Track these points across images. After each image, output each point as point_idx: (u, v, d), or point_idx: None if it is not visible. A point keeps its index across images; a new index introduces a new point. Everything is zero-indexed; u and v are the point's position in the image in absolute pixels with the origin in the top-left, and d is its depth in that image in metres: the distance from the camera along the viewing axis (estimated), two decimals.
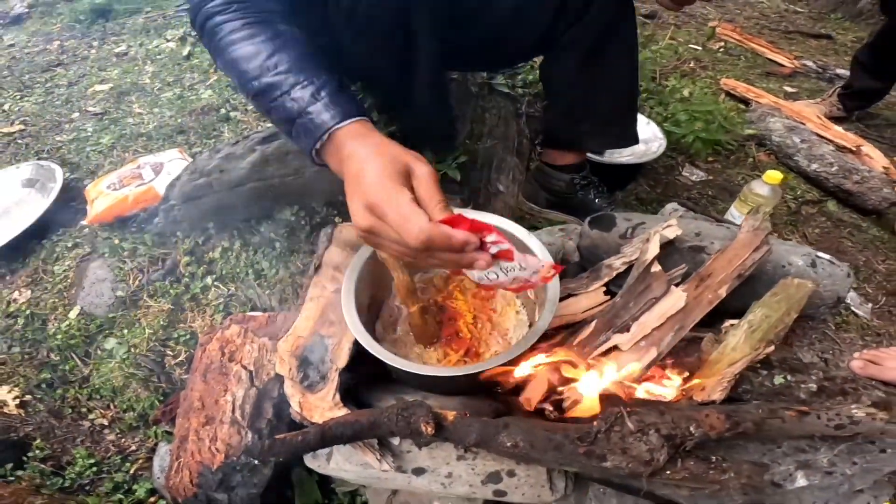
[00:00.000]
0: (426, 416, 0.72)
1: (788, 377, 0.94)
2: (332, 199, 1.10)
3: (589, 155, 1.38)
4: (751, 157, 1.72)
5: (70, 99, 1.92)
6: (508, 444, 0.75)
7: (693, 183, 1.59)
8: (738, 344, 0.90)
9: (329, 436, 0.73)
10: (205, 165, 0.99)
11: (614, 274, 0.99)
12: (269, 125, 1.08)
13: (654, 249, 0.92)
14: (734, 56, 2.47)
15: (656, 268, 0.92)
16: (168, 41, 2.30)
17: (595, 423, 0.76)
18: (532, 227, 1.29)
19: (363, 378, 0.88)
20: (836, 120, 1.95)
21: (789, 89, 2.25)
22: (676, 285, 0.93)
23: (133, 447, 1.03)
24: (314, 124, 0.66)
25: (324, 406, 0.79)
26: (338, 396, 0.79)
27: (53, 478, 0.97)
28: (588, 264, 1.07)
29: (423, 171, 0.60)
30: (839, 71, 2.37)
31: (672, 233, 0.96)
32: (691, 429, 0.75)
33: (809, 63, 2.46)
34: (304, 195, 1.05)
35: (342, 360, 0.79)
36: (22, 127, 1.77)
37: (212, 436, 0.79)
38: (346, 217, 1.13)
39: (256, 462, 0.75)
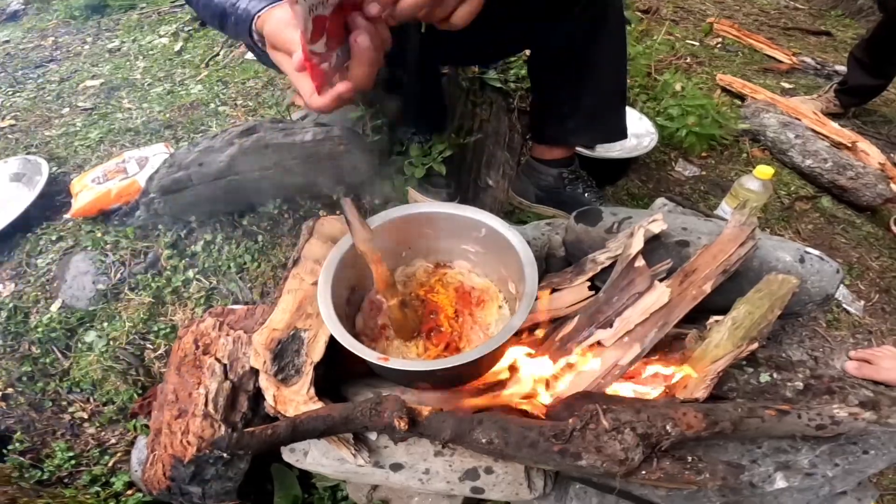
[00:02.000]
0: (399, 412, 0.71)
1: (774, 375, 0.93)
2: (315, 192, 1.09)
3: (578, 149, 1.37)
4: (745, 153, 1.70)
5: (61, 94, 1.92)
6: (483, 441, 0.74)
7: (686, 178, 1.58)
8: (721, 341, 0.89)
9: (300, 430, 0.72)
10: (183, 159, 0.98)
11: (599, 269, 0.97)
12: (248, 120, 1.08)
13: (637, 244, 0.91)
14: (731, 52, 2.44)
15: (640, 262, 0.90)
16: (161, 37, 2.30)
17: (571, 420, 0.75)
18: (520, 222, 1.29)
19: (341, 371, 0.88)
20: (832, 116, 1.93)
21: (786, 85, 2.23)
22: (661, 281, 0.92)
23: (113, 440, 1.03)
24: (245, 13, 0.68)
25: (298, 400, 0.78)
26: (312, 390, 0.78)
27: (32, 470, 0.97)
28: (573, 259, 1.05)
29: None
30: (838, 67, 2.34)
31: (657, 227, 0.95)
32: (668, 428, 0.74)
33: (808, 59, 2.44)
34: (287, 188, 1.04)
35: (317, 353, 0.78)
36: (13, 122, 1.77)
37: (184, 428, 0.78)
38: (330, 210, 1.13)
39: (227, 455, 0.74)
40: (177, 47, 2.18)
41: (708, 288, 0.91)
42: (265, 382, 0.78)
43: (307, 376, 0.77)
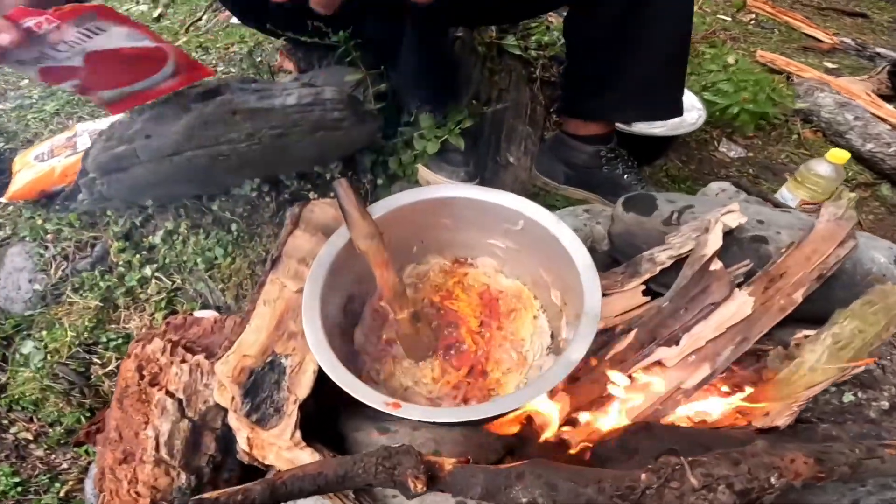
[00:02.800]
0: (416, 469, 0.52)
1: (859, 394, 0.79)
2: (305, 169, 0.88)
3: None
4: (795, 134, 1.52)
5: None
6: (524, 501, 0.57)
7: (731, 160, 1.39)
8: (819, 363, 0.71)
9: (281, 493, 0.54)
10: (125, 130, 0.76)
11: (658, 270, 0.79)
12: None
13: (715, 242, 0.72)
14: (767, 29, 2.31)
15: (717, 265, 0.71)
16: (139, 3, 2.10)
17: (644, 476, 0.57)
18: (548, 206, 1.10)
19: (338, 400, 0.68)
20: (883, 99, 1.78)
21: (829, 65, 2.10)
22: (739, 286, 0.74)
23: (64, 465, 0.88)
24: None
25: (280, 445, 0.60)
26: (298, 434, 0.59)
27: None
28: (621, 256, 0.87)
29: None
30: (879, 50, 2.20)
31: (735, 220, 0.76)
32: (772, 479, 0.59)
33: (847, 40, 2.32)
34: (267, 165, 0.83)
35: (304, 387, 0.59)
36: None
37: (130, 477, 0.60)
38: (324, 192, 0.92)
39: None
40: (156, 13, 2.00)
41: (799, 297, 0.74)
42: (236, 423, 0.59)
43: (290, 417, 0.58)
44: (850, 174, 1.46)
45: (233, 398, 0.58)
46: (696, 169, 1.35)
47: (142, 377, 0.60)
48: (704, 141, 1.44)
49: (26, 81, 1.64)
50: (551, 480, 0.58)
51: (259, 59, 1.48)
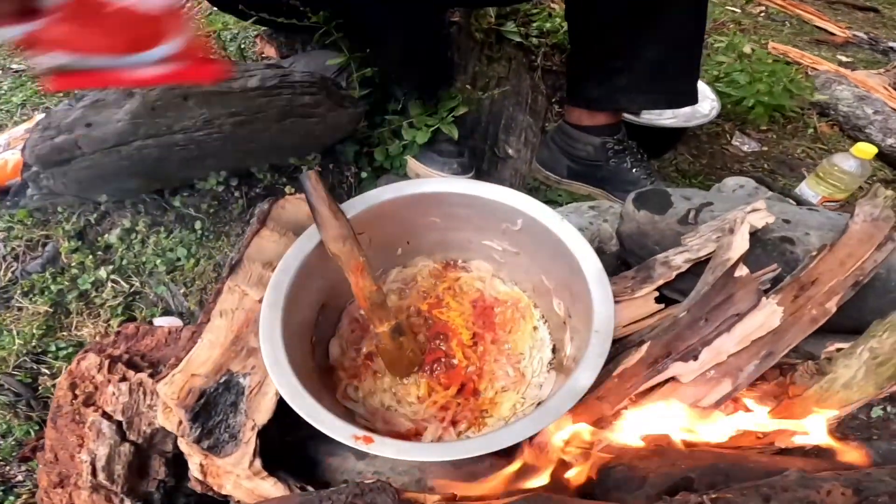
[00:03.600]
0: None
1: (888, 408, 0.72)
2: (278, 160, 0.79)
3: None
4: (811, 128, 1.43)
5: None
6: None
7: (745, 154, 1.31)
8: (854, 380, 0.63)
9: None
10: (63, 118, 0.67)
11: (673, 275, 0.70)
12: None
13: (741, 245, 0.64)
14: (777, 21, 2.25)
15: (743, 271, 0.63)
16: None
17: None
18: (550, 202, 1.01)
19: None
20: None
21: (843, 58, 2.03)
22: (766, 294, 0.65)
23: (19, 477, 0.80)
24: None
25: (239, 473, 0.51)
26: (258, 463, 0.51)
27: None
28: (632, 258, 0.78)
29: None
30: (892, 44, 2.14)
31: (761, 220, 0.68)
32: None
33: (860, 34, 2.25)
34: (234, 156, 0.73)
35: (264, 412, 0.50)
36: None
37: (66, 502, 0.52)
38: (299, 187, 0.83)
39: None
40: None
41: (833, 306, 0.66)
42: (186, 448, 0.51)
43: (248, 445, 0.49)
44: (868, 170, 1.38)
45: (180, 422, 0.49)
46: (707, 163, 1.27)
47: (75, 396, 0.52)
48: (716, 134, 1.35)
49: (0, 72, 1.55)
50: None
51: (242, 45, 1.39)
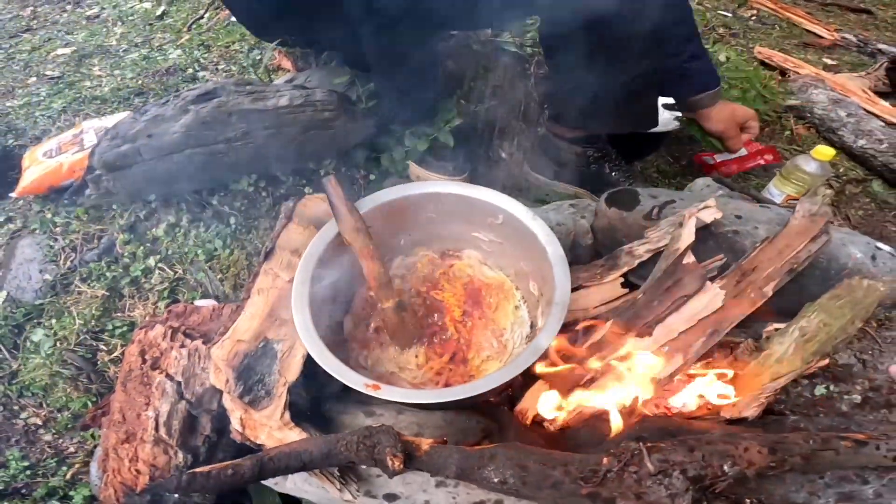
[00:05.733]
0: (394, 448, 0.56)
1: (831, 387, 0.82)
2: (299, 165, 0.92)
3: None
4: (788, 130, 1.53)
5: (30, 63, 1.77)
6: (496, 480, 0.61)
7: None
8: (785, 355, 0.74)
9: (269, 468, 0.57)
10: (128, 130, 0.80)
11: (636, 263, 0.82)
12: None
13: (688, 236, 0.75)
14: (768, 25, 2.29)
15: (690, 259, 0.74)
16: (143, 1, 2.14)
17: (606, 459, 0.60)
18: (539, 201, 1.13)
19: (327, 385, 0.72)
20: (880, 95, 1.78)
21: (829, 61, 2.08)
22: (712, 280, 0.76)
23: (71, 449, 0.91)
24: None
25: (271, 425, 0.64)
26: (287, 415, 0.63)
27: None
28: (604, 249, 0.90)
29: None
30: (881, 46, 2.19)
31: (710, 216, 0.79)
32: (725, 467, 0.62)
33: (849, 36, 2.29)
34: (263, 162, 0.87)
35: (293, 371, 0.62)
36: None
37: (132, 455, 0.64)
38: (318, 187, 0.96)
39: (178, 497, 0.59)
40: (159, 11, 2.04)
41: (770, 291, 0.77)
42: (230, 404, 0.64)
43: (280, 399, 0.62)
44: (841, 170, 1.47)
45: (227, 380, 0.62)
46: (686, 165, 1.37)
47: (144, 361, 0.65)
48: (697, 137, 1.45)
49: (34, 79, 1.68)
50: (522, 462, 0.61)
51: (259, 56, 1.52)
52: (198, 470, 0.53)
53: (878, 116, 1.58)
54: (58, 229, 0.97)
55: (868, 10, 2.61)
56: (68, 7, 2.20)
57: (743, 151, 1.25)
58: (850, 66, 2.04)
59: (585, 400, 0.75)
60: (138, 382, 0.65)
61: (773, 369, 0.73)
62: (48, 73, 1.69)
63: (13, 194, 1.03)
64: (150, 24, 1.96)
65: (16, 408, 0.93)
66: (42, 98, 1.51)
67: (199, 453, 0.68)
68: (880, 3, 2.75)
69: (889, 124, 1.55)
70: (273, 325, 0.65)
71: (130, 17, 2.04)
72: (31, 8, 2.23)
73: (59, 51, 1.82)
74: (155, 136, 0.80)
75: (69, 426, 0.91)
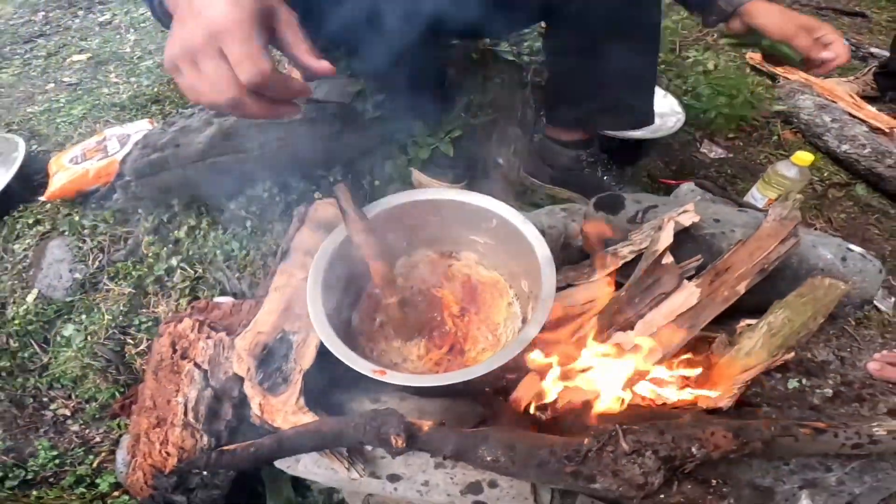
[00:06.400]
0: (397, 428, 0.63)
1: (804, 381, 0.87)
2: (309, 172, 0.99)
3: None
4: (775, 136, 1.59)
5: (47, 70, 1.83)
6: (488, 459, 0.68)
7: (711, 161, 1.47)
8: (753, 349, 0.80)
9: (287, 446, 0.65)
10: (157, 139, 0.88)
11: (620, 263, 0.88)
12: None
13: (666, 239, 0.82)
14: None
15: (668, 259, 0.81)
16: None
17: (586, 440, 0.67)
18: (534, 205, 1.19)
19: (336, 375, 0.80)
20: (868, 100, 1.83)
21: None
22: (689, 279, 0.83)
23: (97, 438, 0.97)
24: None
25: (287, 410, 0.71)
26: (302, 400, 0.70)
27: (16, 470, 0.91)
28: (591, 250, 0.96)
29: (288, 16, 0.52)
30: (873, 50, 2.22)
31: (688, 219, 0.85)
32: (693, 449, 0.68)
33: None
34: (276, 169, 0.94)
35: (307, 360, 0.70)
36: None
37: (162, 438, 0.71)
38: (327, 192, 1.03)
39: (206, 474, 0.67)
40: None
41: (742, 289, 0.83)
42: (250, 390, 0.71)
43: (296, 385, 0.69)
44: (826, 174, 1.53)
45: (248, 368, 0.69)
46: (676, 169, 1.43)
47: (174, 351, 0.72)
48: (687, 142, 1.51)
49: (52, 85, 1.75)
50: (511, 443, 0.68)
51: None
52: (225, 447, 0.60)
53: (863, 121, 1.63)
54: (86, 231, 1.05)
55: (862, 13, 2.63)
56: (80, 13, 2.26)
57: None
58: (841, 70, 2.08)
59: (572, 389, 0.82)
60: (169, 371, 0.72)
61: (743, 362, 0.79)
62: (65, 79, 1.75)
63: (42, 198, 1.11)
64: (162, 31, 2.02)
65: (45, 399, 1.00)
66: (62, 105, 1.58)
67: (221, 437, 0.75)
68: (875, 6, 2.77)
69: (873, 129, 1.61)
70: (289, 319, 0.72)
71: (142, 24, 2.09)
72: (43, 13, 2.28)
73: (75, 57, 1.88)
74: (182, 146, 0.87)
75: (96, 416, 0.97)
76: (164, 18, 0.61)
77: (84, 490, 0.89)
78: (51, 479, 0.92)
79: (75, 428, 0.98)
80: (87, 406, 0.97)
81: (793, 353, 0.79)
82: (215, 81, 0.48)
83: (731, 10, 0.89)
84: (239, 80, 0.47)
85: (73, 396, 0.99)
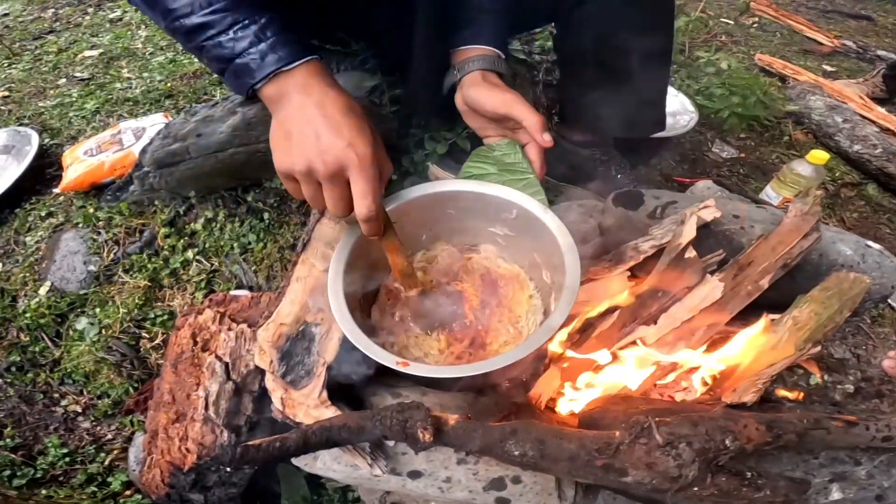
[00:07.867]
0: (424, 422, 0.62)
1: (825, 377, 0.86)
2: None
3: None
4: (786, 136, 1.59)
5: (58, 65, 1.83)
6: (516, 454, 0.66)
7: (723, 160, 1.47)
8: (780, 343, 0.80)
9: (312, 442, 0.63)
10: (179, 129, 0.87)
11: (641, 258, 0.88)
12: None
13: (689, 233, 0.81)
14: (769, 32, 2.35)
15: (691, 254, 0.81)
16: None
17: (617, 434, 0.66)
18: (547, 201, 1.18)
19: (357, 371, 0.79)
20: (877, 101, 1.84)
21: (828, 68, 2.13)
22: (712, 273, 0.83)
23: (109, 436, 0.96)
24: (257, 65, 0.65)
25: (309, 404, 0.70)
26: (325, 394, 0.69)
27: (24, 468, 0.89)
28: (611, 245, 0.95)
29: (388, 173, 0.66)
30: (881, 52, 2.25)
31: (710, 214, 0.85)
32: (727, 441, 0.67)
33: (849, 43, 2.34)
34: None
35: (331, 352, 0.69)
36: (6, 93, 1.68)
37: (182, 434, 0.70)
38: None
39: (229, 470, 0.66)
40: None
41: (765, 283, 0.83)
42: (272, 384, 0.70)
43: (319, 378, 0.68)
44: (837, 174, 1.53)
45: (271, 361, 0.68)
46: (689, 168, 1.43)
47: (195, 343, 0.71)
48: (699, 142, 1.52)
49: (64, 80, 1.75)
50: (540, 437, 0.67)
51: None
52: (250, 443, 0.59)
53: (873, 122, 1.64)
54: (101, 223, 1.04)
55: (868, 16, 2.67)
56: (90, 10, 2.26)
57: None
58: (849, 72, 2.11)
59: (595, 384, 0.82)
60: (189, 364, 0.71)
61: (769, 356, 0.79)
62: (77, 74, 1.75)
63: (56, 189, 1.10)
64: None
65: (56, 395, 0.98)
66: (74, 99, 1.58)
67: (241, 433, 0.74)
68: (881, 9, 2.80)
69: (884, 130, 1.62)
70: (311, 311, 0.71)
71: (153, 22, 2.10)
72: (53, 10, 2.29)
73: (87, 53, 1.88)
74: (203, 136, 0.86)
75: (109, 413, 0.95)
76: (247, 96, 0.71)
77: (95, 489, 0.87)
78: (61, 478, 0.90)
79: (86, 425, 0.96)
80: (100, 402, 0.96)
81: (819, 347, 0.79)
82: (336, 203, 0.63)
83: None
84: (354, 207, 0.61)
85: (85, 392, 0.97)
